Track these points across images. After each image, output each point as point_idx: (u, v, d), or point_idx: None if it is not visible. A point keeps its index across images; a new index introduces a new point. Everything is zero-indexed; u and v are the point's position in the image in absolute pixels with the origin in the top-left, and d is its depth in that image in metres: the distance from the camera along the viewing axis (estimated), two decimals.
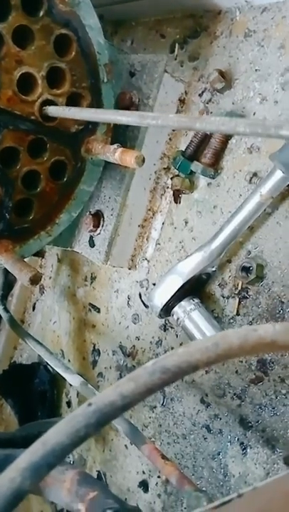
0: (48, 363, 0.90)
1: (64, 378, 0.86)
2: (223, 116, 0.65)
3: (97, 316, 0.83)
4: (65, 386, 0.89)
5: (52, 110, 0.53)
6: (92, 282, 0.85)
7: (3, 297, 0.90)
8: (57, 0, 0.54)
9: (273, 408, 0.54)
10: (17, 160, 0.56)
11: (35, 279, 0.52)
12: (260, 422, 0.56)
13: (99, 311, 0.82)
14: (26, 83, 0.54)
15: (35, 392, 0.90)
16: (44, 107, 0.55)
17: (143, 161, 0.55)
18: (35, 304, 1.00)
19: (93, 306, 0.84)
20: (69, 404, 0.88)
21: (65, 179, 0.61)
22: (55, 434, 0.27)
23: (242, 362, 0.58)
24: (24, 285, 1.00)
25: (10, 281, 0.98)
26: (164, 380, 0.30)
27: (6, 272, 0.94)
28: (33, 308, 1.00)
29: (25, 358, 1.01)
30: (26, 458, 0.26)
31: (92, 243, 0.74)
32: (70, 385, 0.88)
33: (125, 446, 0.74)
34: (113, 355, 0.78)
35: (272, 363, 0.55)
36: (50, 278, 0.97)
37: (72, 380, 0.68)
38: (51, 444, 0.27)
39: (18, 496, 0.26)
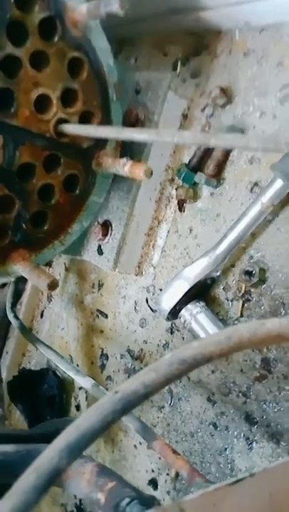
0: (57, 368, 0.94)
1: (74, 381, 0.89)
2: (224, 130, 0.69)
3: (104, 321, 0.86)
4: (74, 390, 0.92)
5: (69, 128, 0.57)
6: (99, 289, 0.89)
7: (13, 305, 0.93)
8: (70, 25, 0.58)
9: (277, 404, 0.58)
10: (33, 174, 0.60)
11: (53, 285, 0.55)
12: (264, 418, 0.59)
13: (106, 317, 0.86)
14: (42, 103, 0.58)
15: (43, 397, 0.93)
16: (59, 125, 0.59)
17: (151, 173, 0.59)
18: (43, 311, 1.03)
19: (101, 312, 0.87)
20: (78, 407, 0.91)
21: (77, 191, 0.65)
22: (86, 420, 0.30)
23: (246, 361, 0.61)
24: (32, 294, 1.04)
25: (19, 290, 1.02)
26: (181, 370, 0.33)
27: (16, 281, 0.98)
28: (41, 316, 1.03)
29: (34, 364, 1.04)
30: (62, 440, 0.30)
31: (100, 251, 0.78)
32: (79, 388, 0.91)
33: (134, 446, 0.77)
34: (121, 358, 0.81)
35: (276, 360, 0.58)
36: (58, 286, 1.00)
37: (84, 382, 0.71)
38: (83, 427, 0.30)
39: (56, 473, 0.29)
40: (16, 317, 0.90)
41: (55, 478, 0.29)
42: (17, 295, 1.01)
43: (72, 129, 0.57)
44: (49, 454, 0.29)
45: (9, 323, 1.03)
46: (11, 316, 0.90)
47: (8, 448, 0.45)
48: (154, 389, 0.33)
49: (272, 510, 0.36)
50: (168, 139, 0.43)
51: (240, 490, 0.32)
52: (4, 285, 0.99)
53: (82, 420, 0.30)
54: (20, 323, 0.88)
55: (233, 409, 0.62)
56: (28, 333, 0.87)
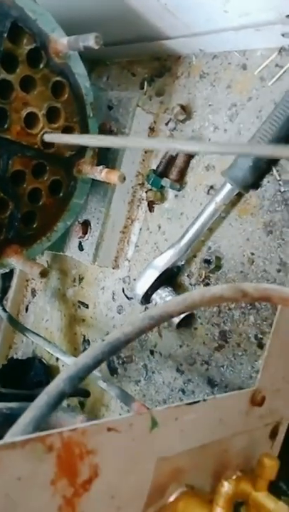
0: (42, 357, 1.03)
1: (58, 368, 0.99)
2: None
3: (85, 311, 0.97)
4: None
5: (52, 137, 0.68)
6: (80, 282, 0.99)
7: (1, 300, 1.03)
8: (53, 54, 0.69)
9: (233, 368, 0.70)
10: (23, 180, 0.70)
11: (44, 273, 0.66)
12: (223, 380, 0.71)
13: (87, 307, 0.96)
14: (31, 120, 0.69)
15: (31, 383, 1.02)
16: (45, 136, 0.69)
17: (124, 178, 0.70)
18: (27, 306, 1.13)
19: (82, 303, 0.97)
20: None
21: (61, 194, 0.76)
22: (82, 358, 0.41)
23: (207, 334, 0.73)
24: (17, 290, 1.13)
25: (5, 286, 1.11)
26: (151, 324, 0.44)
27: (2, 277, 1.07)
28: (26, 310, 1.13)
29: (20, 355, 1.13)
30: (65, 373, 0.40)
31: (81, 247, 0.88)
32: None
33: None
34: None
35: (231, 332, 0.70)
36: (41, 282, 1.10)
37: (70, 361, 0.81)
38: (81, 364, 0.41)
39: (61, 396, 0.39)
40: (5, 310, 0.99)
41: (61, 398, 0.39)
42: (4, 291, 1.10)
43: (58, 137, 0.67)
44: (56, 382, 0.40)
45: None
46: (0, 310, 0.99)
47: (13, 405, 0.55)
48: (131, 337, 0.44)
49: (222, 430, 0.48)
50: (157, 145, 0.54)
51: (196, 410, 0.43)
52: None
53: (80, 359, 0.41)
54: (8, 315, 0.98)
55: (198, 376, 0.74)
56: (16, 323, 0.97)
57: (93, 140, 0.68)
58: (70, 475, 0.33)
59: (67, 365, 0.85)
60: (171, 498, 0.44)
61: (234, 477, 0.48)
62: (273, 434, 0.56)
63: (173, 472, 0.43)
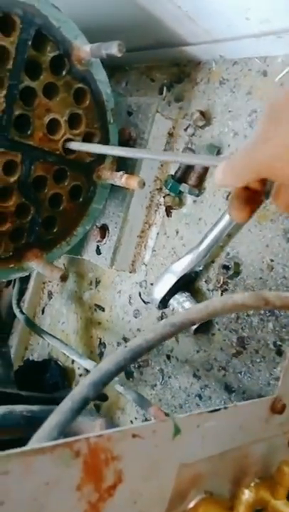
0: (58, 359, 1.04)
1: (74, 370, 1.00)
2: (204, 148, 0.81)
3: (102, 314, 0.97)
4: (75, 378, 1.03)
5: (76, 145, 0.68)
6: (96, 286, 1.00)
7: (18, 302, 1.04)
8: (76, 61, 0.70)
9: (251, 374, 0.70)
10: (45, 185, 0.71)
11: (64, 277, 0.66)
12: (241, 387, 0.71)
13: (104, 310, 0.97)
14: (53, 126, 0.70)
15: (47, 385, 1.03)
16: (66, 144, 0.70)
17: (144, 184, 0.71)
18: (44, 308, 1.14)
19: (98, 306, 0.98)
20: None
21: (81, 199, 0.77)
22: (105, 364, 0.42)
23: (225, 340, 0.73)
24: (34, 292, 1.14)
25: (22, 288, 1.12)
26: (172, 331, 0.45)
27: (20, 279, 1.09)
28: (42, 312, 1.14)
29: (36, 357, 1.14)
30: (88, 379, 0.41)
31: (99, 251, 0.89)
32: (79, 375, 1.02)
33: (130, 421, 0.88)
34: (118, 346, 0.93)
35: (249, 338, 0.70)
36: (57, 285, 1.11)
37: (87, 364, 0.82)
38: (104, 369, 0.41)
39: (85, 402, 0.40)
40: (22, 312, 1.00)
41: (85, 404, 0.40)
42: (20, 294, 1.11)
43: (80, 146, 0.68)
44: (80, 388, 0.40)
45: (13, 319, 1.13)
46: (17, 311, 1.01)
47: (34, 408, 0.56)
48: (153, 344, 0.44)
49: (242, 437, 0.48)
50: (182, 159, 0.54)
51: (217, 417, 0.43)
52: (9, 284, 1.09)
53: (102, 364, 0.42)
54: (26, 317, 0.99)
55: (215, 382, 0.74)
56: (33, 325, 0.98)
57: (115, 151, 0.68)
58: (95, 480, 0.34)
59: (83, 367, 0.86)
60: (191, 504, 0.44)
61: (253, 484, 0.48)
62: None
63: (193, 478, 0.44)
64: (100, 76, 0.73)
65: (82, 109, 0.72)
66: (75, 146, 0.69)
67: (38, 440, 0.36)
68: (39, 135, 0.68)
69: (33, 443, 0.35)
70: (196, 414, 0.41)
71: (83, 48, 0.69)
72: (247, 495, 0.43)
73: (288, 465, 0.49)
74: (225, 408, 0.45)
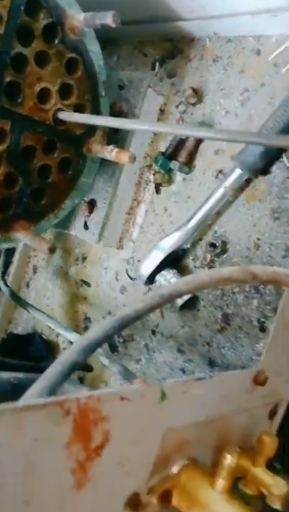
0: (42, 333, 1.04)
1: (58, 344, 1.00)
2: (195, 125, 0.81)
3: (88, 289, 0.98)
4: (59, 351, 1.03)
5: (67, 115, 0.68)
6: (83, 261, 1.00)
7: (3, 274, 1.03)
8: (68, 30, 0.69)
9: (234, 350, 0.71)
10: (34, 156, 0.71)
11: (53, 249, 0.66)
12: (224, 362, 0.72)
13: (90, 286, 0.97)
14: (43, 95, 0.68)
15: (32, 358, 1.04)
16: (57, 114, 0.69)
17: (134, 159, 0.70)
18: (28, 282, 1.14)
19: (85, 282, 0.98)
20: None
21: (70, 172, 0.76)
22: (93, 331, 0.42)
23: (210, 317, 0.74)
24: (19, 266, 1.14)
25: (7, 261, 1.11)
26: (160, 302, 0.45)
27: (5, 252, 1.08)
28: (27, 286, 1.13)
29: (20, 331, 1.14)
30: (77, 345, 0.41)
31: (86, 227, 0.89)
32: (63, 349, 1.02)
33: None
34: None
35: (233, 315, 0.72)
36: (43, 260, 1.11)
37: (72, 337, 0.82)
38: (92, 336, 0.42)
39: (74, 366, 0.41)
40: (7, 285, 1.00)
41: (73, 368, 0.40)
42: (5, 267, 1.10)
43: (70, 116, 0.67)
44: (69, 353, 0.41)
45: None
46: (1, 284, 1.00)
47: (21, 375, 0.56)
48: (141, 314, 0.44)
49: (225, 406, 0.49)
50: (183, 132, 0.54)
51: (203, 385, 0.45)
52: None
53: (91, 332, 0.42)
54: (10, 290, 0.99)
55: (199, 357, 0.76)
56: (18, 298, 0.97)
57: (105, 120, 0.68)
58: (84, 439, 0.35)
59: (69, 341, 0.86)
60: (175, 470, 0.46)
61: (234, 453, 0.50)
62: (272, 414, 0.58)
63: (178, 444, 0.45)
64: (93, 47, 0.72)
65: (73, 80, 0.71)
66: (66, 116, 0.68)
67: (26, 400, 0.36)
68: (29, 104, 0.67)
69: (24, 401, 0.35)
70: (183, 381, 0.42)
71: (77, 17, 0.68)
72: (229, 460, 0.45)
73: (268, 435, 0.51)
74: (210, 377, 0.46)
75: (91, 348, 0.42)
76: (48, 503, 0.34)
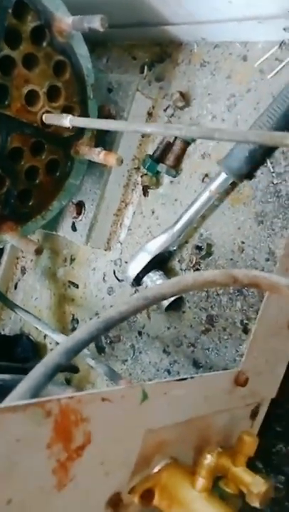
0: (30, 334, 1.05)
1: (46, 345, 1.01)
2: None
3: (75, 291, 0.98)
4: (46, 353, 1.03)
5: (51, 118, 0.68)
6: (71, 263, 1.00)
7: None
8: (57, 33, 0.69)
9: (218, 351, 0.72)
10: (21, 157, 0.71)
11: (39, 250, 0.67)
12: (208, 362, 0.73)
13: (77, 287, 0.98)
14: (31, 97, 0.69)
15: (18, 359, 1.04)
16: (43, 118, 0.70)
17: (122, 161, 0.71)
18: (17, 283, 1.14)
19: (72, 283, 0.99)
20: None
21: (57, 174, 0.77)
22: (78, 333, 0.43)
23: (195, 318, 0.75)
24: (7, 267, 1.14)
25: None
26: (144, 304, 0.46)
27: None
28: (15, 287, 1.14)
29: (7, 332, 1.14)
30: (62, 346, 0.42)
31: (74, 228, 0.89)
32: (51, 350, 1.03)
33: None
34: None
35: (218, 316, 0.73)
36: (31, 261, 1.11)
37: (59, 338, 0.83)
38: (77, 338, 0.43)
39: (57, 368, 0.41)
40: None
41: (57, 370, 0.41)
42: None
43: (53, 118, 0.68)
44: (53, 355, 0.41)
45: None
46: None
47: (6, 376, 0.57)
48: (126, 316, 0.45)
49: (206, 407, 0.50)
50: (176, 132, 0.54)
51: (184, 386, 0.46)
52: None
53: (76, 333, 0.43)
54: None
55: (184, 358, 0.76)
56: (6, 299, 0.98)
57: (92, 123, 0.68)
58: (65, 440, 0.35)
59: (56, 342, 0.87)
60: (156, 469, 0.47)
61: (215, 452, 0.51)
62: (254, 415, 0.59)
63: (159, 444, 0.46)
64: (81, 50, 0.73)
65: (61, 82, 0.72)
66: (50, 118, 0.69)
67: (10, 401, 0.37)
68: (17, 106, 0.67)
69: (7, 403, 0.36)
70: (164, 382, 0.43)
71: (65, 20, 0.68)
72: (209, 459, 0.46)
73: (248, 434, 0.52)
74: (191, 378, 0.47)
75: (75, 350, 0.43)
76: (29, 502, 0.34)
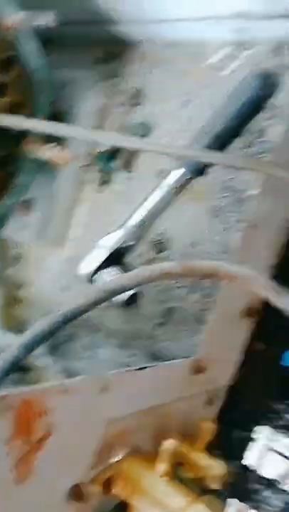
0: None
1: None
2: (135, 127, 0.83)
3: (26, 291, 0.96)
4: None
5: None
6: (20, 262, 0.98)
7: None
8: (4, 29, 0.68)
9: (176, 342, 0.74)
10: None
11: None
12: (167, 355, 0.74)
13: (28, 287, 0.96)
14: None
15: None
16: None
17: (72, 159, 0.71)
18: None
19: (22, 283, 0.97)
20: None
21: (6, 171, 0.75)
22: (38, 326, 0.43)
23: (152, 311, 0.76)
24: None
25: None
26: (103, 296, 0.46)
27: None
28: None
29: None
30: (21, 340, 0.42)
31: (23, 227, 0.88)
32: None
33: None
34: None
35: (175, 309, 0.74)
36: None
37: (9, 339, 0.81)
38: (36, 331, 0.42)
39: (16, 361, 0.41)
40: None
41: (16, 364, 0.40)
42: None
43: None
44: (11, 349, 0.41)
45: None
46: None
47: None
48: (85, 309, 0.45)
49: (165, 395, 0.51)
50: (135, 145, 0.54)
51: (142, 375, 0.46)
52: None
53: (36, 326, 0.42)
54: None
55: (142, 351, 0.77)
56: None
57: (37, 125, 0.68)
58: (25, 433, 0.35)
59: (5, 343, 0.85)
60: (118, 458, 0.47)
61: (175, 438, 0.52)
62: (211, 402, 0.61)
63: (120, 433, 0.46)
64: (31, 46, 0.72)
65: (10, 78, 0.70)
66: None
67: None
68: None
69: None
70: (124, 372, 0.44)
71: (13, 17, 0.67)
72: (168, 445, 0.47)
73: (206, 421, 0.54)
74: (150, 367, 0.48)
75: (33, 345, 0.42)
76: None
